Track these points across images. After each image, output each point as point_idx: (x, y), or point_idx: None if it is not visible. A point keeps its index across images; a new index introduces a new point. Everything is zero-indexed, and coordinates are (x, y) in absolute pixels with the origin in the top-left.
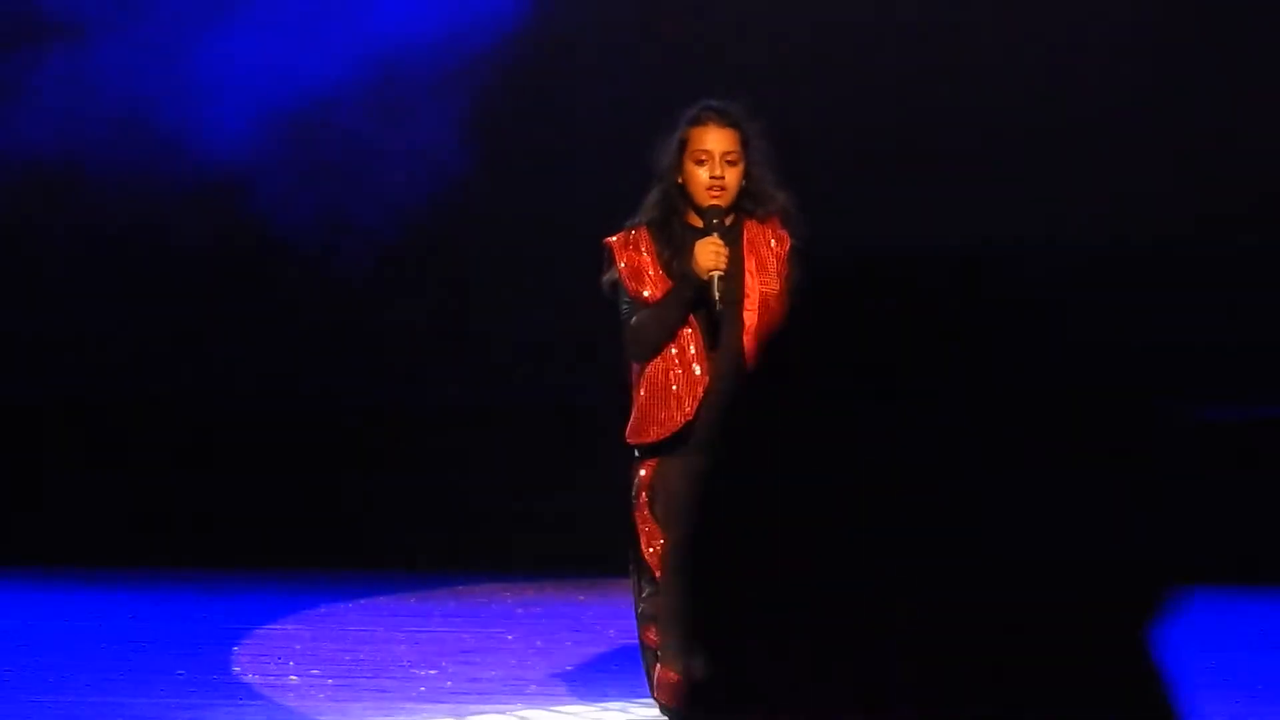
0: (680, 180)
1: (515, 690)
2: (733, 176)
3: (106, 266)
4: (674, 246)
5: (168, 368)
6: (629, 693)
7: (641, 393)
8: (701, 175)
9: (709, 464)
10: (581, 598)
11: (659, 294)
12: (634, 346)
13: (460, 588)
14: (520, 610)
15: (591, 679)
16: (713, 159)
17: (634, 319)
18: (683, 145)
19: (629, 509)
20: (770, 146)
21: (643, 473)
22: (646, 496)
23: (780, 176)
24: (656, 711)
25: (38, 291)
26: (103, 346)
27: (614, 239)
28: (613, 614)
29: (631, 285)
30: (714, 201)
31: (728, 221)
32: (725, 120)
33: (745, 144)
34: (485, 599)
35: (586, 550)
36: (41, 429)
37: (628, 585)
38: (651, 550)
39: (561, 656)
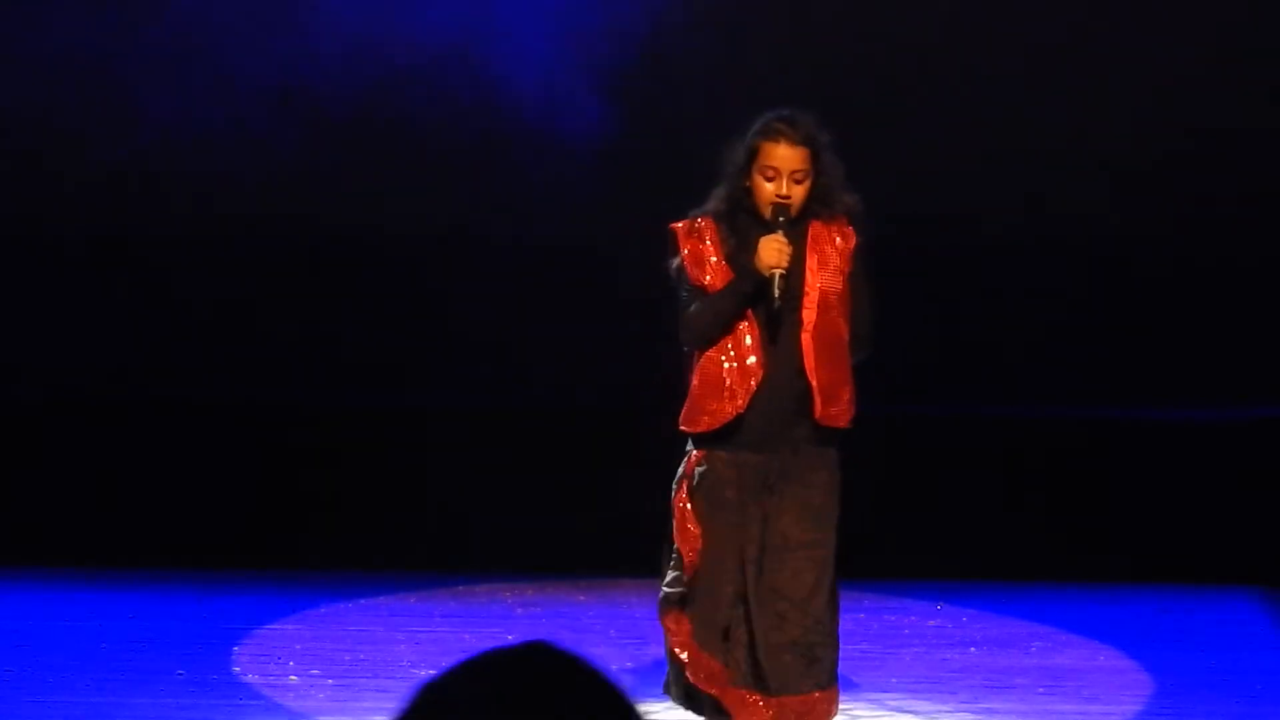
0: (747, 185)
1: None
2: (799, 193)
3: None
4: (739, 239)
5: (165, 367)
6: (628, 693)
7: (695, 381)
8: (768, 190)
9: None
10: (581, 598)
11: (719, 284)
12: (686, 333)
13: (460, 588)
14: (520, 610)
15: None
16: (780, 177)
17: (690, 306)
18: (751, 155)
19: (670, 494)
20: (837, 157)
21: (689, 460)
22: (688, 485)
23: (847, 180)
24: (658, 711)
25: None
26: (103, 344)
27: (679, 225)
28: (613, 614)
29: (693, 272)
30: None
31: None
32: (796, 138)
33: (815, 158)
34: (485, 599)
35: (588, 550)
36: (42, 427)
37: (628, 585)
38: (684, 536)
39: None
